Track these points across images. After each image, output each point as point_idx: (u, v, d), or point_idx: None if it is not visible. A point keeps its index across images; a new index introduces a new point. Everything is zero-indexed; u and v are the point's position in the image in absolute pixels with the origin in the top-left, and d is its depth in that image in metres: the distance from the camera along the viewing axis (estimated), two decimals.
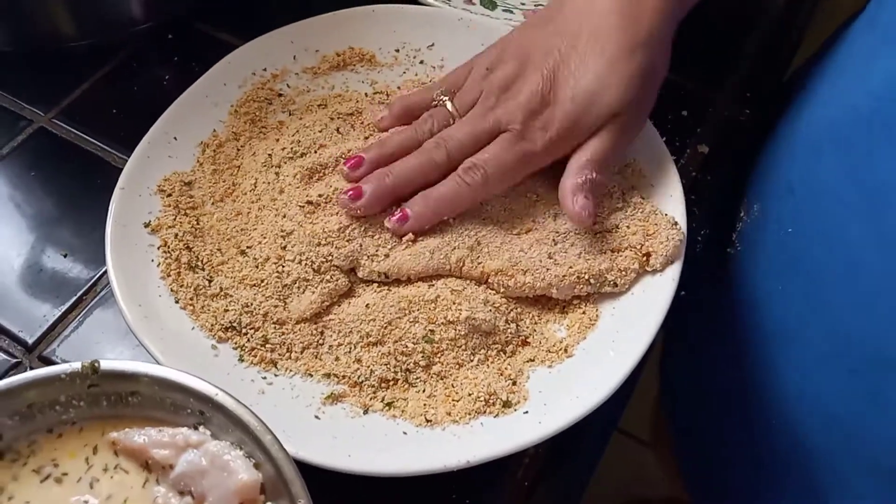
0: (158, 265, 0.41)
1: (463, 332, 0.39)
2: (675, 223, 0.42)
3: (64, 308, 0.44)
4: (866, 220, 0.39)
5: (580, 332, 0.40)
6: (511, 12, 0.55)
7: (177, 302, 0.40)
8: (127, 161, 0.45)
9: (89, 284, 0.44)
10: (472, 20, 0.52)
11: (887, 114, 0.38)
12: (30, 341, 0.42)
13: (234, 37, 0.56)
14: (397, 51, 0.52)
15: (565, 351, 0.40)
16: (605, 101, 0.40)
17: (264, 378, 0.39)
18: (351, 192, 0.41)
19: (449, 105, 0.43)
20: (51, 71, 0.54)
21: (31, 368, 0.41)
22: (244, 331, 0.39)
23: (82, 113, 0.52)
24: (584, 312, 0.41)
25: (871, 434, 0.39)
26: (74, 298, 0.44)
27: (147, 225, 0.43)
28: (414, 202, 0.41)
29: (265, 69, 0.50)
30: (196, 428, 0.31)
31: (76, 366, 0.31)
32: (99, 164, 0.50)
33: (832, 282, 0.41)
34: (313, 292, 0.40)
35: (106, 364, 0.31)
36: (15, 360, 0.42)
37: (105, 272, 0.44)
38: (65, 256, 0.45)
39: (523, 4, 0.56)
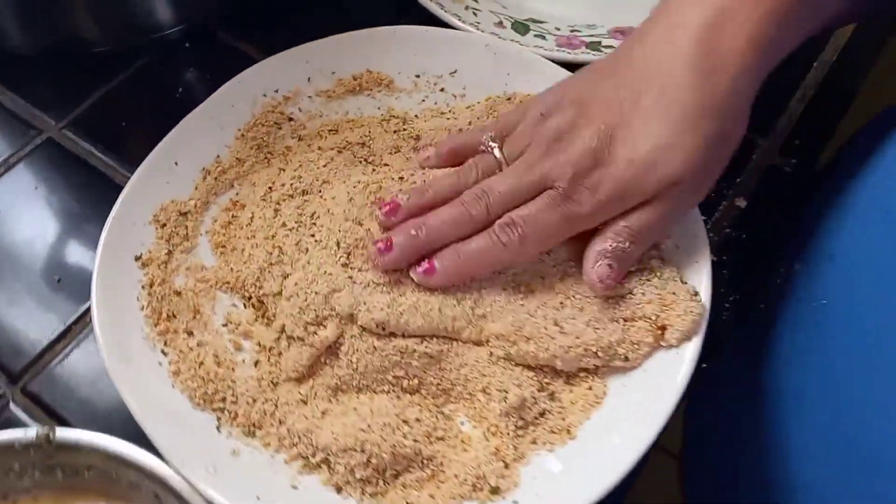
0: (143, 308, 0.40)
1: (498, 412, 0.37)
2: (696, 294, 0.38)
3: (52, 337, 0.42)
4: None
5: (584, 410, 0.37)
6: (543, 38, 0.51)
7: (163, 353, 0.39)
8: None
9: (80, 313, 0.43)
10: (500, 47, 0.48)
11: None
12: (14, 371, 0.41)
13: (256, 49, 0.53)
14: (417, 76, 0.49)
15: (568, 432, 0.37)
16: (665, 171, 0.36)
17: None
18: (381, 245, 0.38)
19: (497, 152, 0.40)
20: (67, 76, 0.53)
21: (14, 402, 0.40)
22: (226, 406, 0.37)
23: (91, 125, 0.51)
24: (590, 388, 0.38)
25: None
26: (63, 328, 0.42)
27: (138, 258, 0.41)
28: (444, 256, 0.38)
29: (277, 90, 0.48)
30: None
31: (31, 434, 0.29)
32: (103, 181, 0.48)
33: (851, 372, 0.38)
34: (302, 346, 0.38)
35: (61, 434, 0.29)
36: None
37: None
38: (58, 281, 0.44)
39: (558, 30, 0.52)
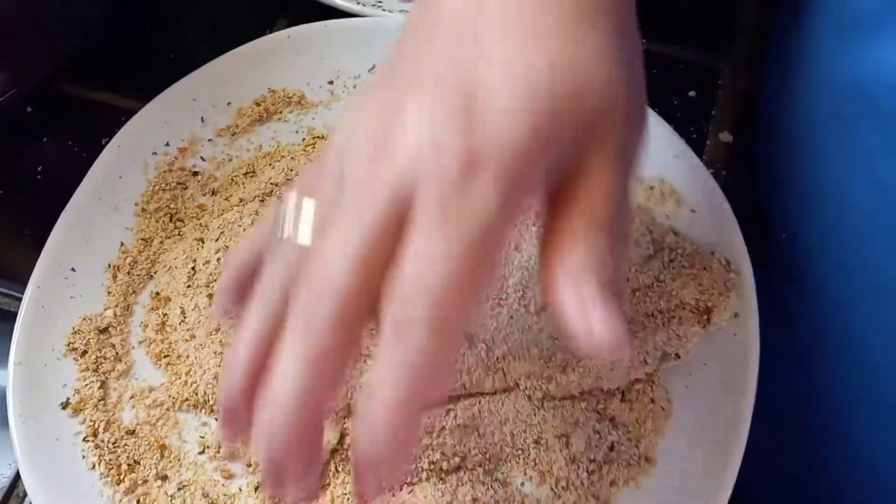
0: (94, 466, 0.31)
1: (562, 462, 0.31)
2: (729, 263, 0.34)
3: None
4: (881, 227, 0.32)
5: (655, 428, 0.32)
6: None
7: None
8: (17, 310, 0.34)
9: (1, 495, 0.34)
10: None
11: None
12: None
13: (117, 95, 0.44)
14: (331, 83, 0.41)
15: (647, 459, 0.31)
16: (579, 93, 0.21)
17: None
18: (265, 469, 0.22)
19: (301, 230, 0.23)
20: None
21: None
22: None
23: None
24: (652, 400, 0.33)
25: None
26: None
27: (65, 405, 0.32)
28: (361, 440, 0.21)
29: (167, 144, 0.39)
30: None
31: None
32: None
33: (852, 305, 0.34)
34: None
35: None
36: None
37: (17, 479, 0.33)
38: None
39: None
